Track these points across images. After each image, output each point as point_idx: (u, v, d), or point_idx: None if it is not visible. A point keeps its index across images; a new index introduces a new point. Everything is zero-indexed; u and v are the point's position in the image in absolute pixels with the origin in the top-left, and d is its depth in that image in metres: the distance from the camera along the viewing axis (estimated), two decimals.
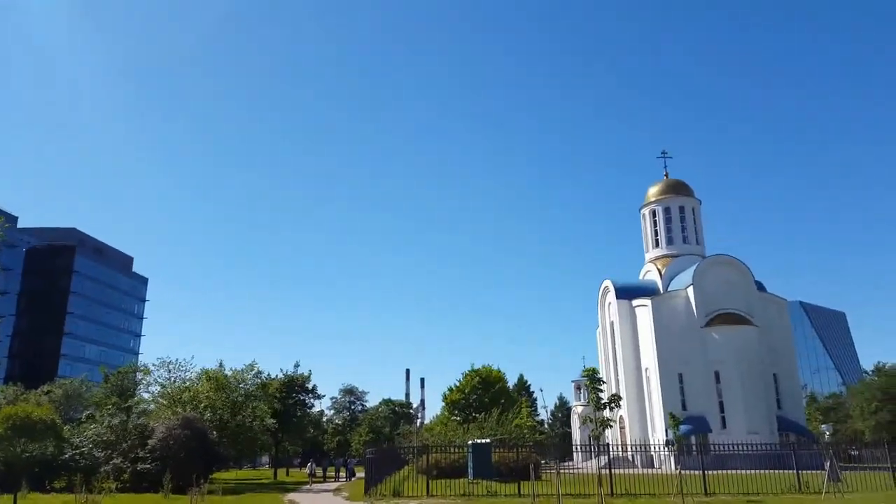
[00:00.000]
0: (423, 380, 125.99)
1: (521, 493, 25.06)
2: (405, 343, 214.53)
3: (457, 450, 32.42)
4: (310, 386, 55.44)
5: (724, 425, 50.50)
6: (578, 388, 71.78)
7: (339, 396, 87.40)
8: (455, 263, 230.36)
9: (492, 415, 50.00)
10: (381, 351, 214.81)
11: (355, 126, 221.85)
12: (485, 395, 64.51)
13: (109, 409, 43.04)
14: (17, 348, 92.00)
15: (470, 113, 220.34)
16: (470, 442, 32.37)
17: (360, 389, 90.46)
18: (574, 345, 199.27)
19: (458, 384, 67.39)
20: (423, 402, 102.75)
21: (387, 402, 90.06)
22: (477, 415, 56.10)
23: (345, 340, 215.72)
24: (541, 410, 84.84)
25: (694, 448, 34.67)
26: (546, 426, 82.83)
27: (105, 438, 33.24)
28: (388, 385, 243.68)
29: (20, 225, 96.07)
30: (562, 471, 21.49)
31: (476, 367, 68.52)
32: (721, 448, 29.36)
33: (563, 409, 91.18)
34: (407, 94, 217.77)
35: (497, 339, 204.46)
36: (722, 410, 51.41)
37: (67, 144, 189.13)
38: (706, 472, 25.71)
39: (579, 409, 71.13)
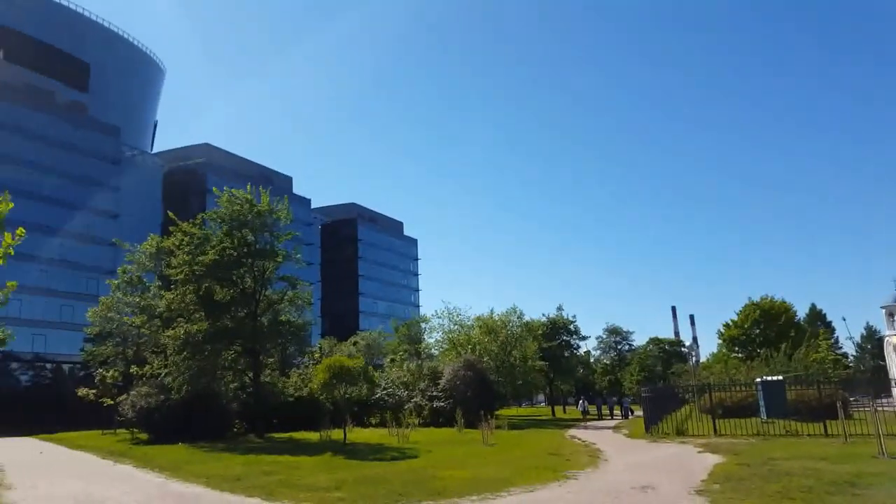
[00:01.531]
0: (692, 316, 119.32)
1: (828, 433, 22.36)
2: (669, 280, 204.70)
3: (743, 388, 30.26)
4: (573, 328, 56.40)
5: None
6: (891, 314, 61.12)
7: (603, 336, 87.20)
8: (718, 178, 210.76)
9: (779, 350, 45.63)
10: (643, 289, 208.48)
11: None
12: (768, 328, 58.90)
13: (402, 354, 49.10)
14: (325, 309, 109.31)
15: None
16: (759, 380, 29.91)
17: (625, 329, 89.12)
18: (879, 265, 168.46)
19: (735, 319, 62.45)
20: (695, 339, 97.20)
21: (655, 340, 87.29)
22: (760, 350, 51.66)
23: (605, 280, 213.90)
24: (843, 342, 74.38)
25: None
26: (851, 359, 72.51)
27: (405, 380, 38.07)
28: (652, 324, 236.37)
29: (313, 206, 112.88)
30: (878, 409, 18.49)
31: (755, 299, 62.62)
32: None
33: (871, 339, 78.64)
34: None
35: (778, 267, 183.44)
36: None
37: (338, 129, 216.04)
38: None
39: (895, 338, 60.56)
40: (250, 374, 30.32)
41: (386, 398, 35.89)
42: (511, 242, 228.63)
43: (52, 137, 71.15)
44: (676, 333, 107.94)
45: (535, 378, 48.77)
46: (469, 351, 42.15)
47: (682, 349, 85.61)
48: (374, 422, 35.24)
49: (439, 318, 48.27)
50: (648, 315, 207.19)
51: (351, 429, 26.69)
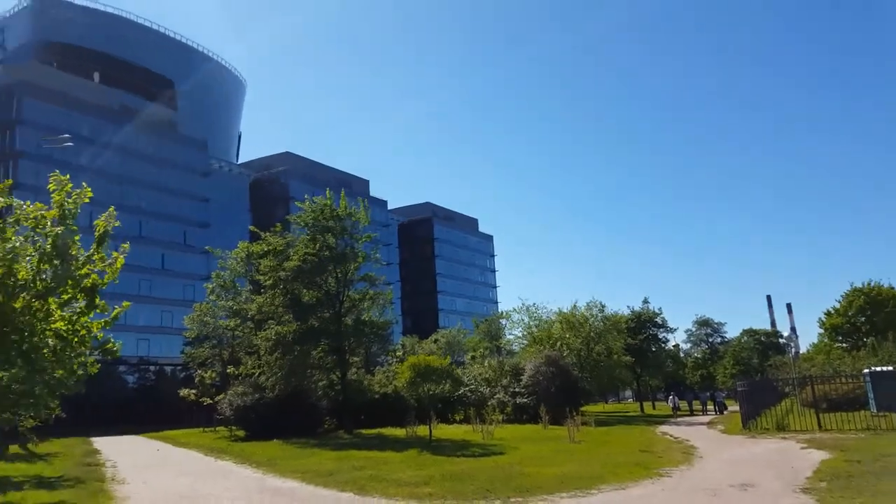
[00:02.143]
0: (789, 305, 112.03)
1: None
2: (763, 268, 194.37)
3: (849, 380, 28.34)
4: (660, 320, 54.54)
5: None
6: None
7: (693, 329, 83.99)
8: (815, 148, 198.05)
9: (888, 338, 42.52)
10: (734, 278, 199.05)
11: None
12: (875, 316, 54.85)
13: (482, 351, 49.11)
14: (406, 308, 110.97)
15: None
16: (867, 370, 27.95)
17: (716, 321, 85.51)
18: None
19: (837, 307, 58.60)
20: (793, 329, 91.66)
21: (749, 331, 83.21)
22: (866, 339, 48.24)
23: (693, 270, 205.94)
24: None
25: None
26: None
27: (487, 376, 38.05)
28: (746, 314, 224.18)
29: (389, 207, 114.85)
30: None
31: (858, 285, 58.48)
32: None
33: None
34: None
35: (881, 251, 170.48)
36: None
37: (411, 131, 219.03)
38: None
39: None
40: (337, 373, 31.23)
41: (468, 395, 35.99)
42: (591, 233, 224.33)
43: (146, 153, 75.89)
44: (773, 324, 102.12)
45: (621, 373, 47.53)
46: (549, 347, 41.60)
47: (780, 340, 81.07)
48: (457, 418, 35.41)
49: (518, 313, 47.94)
50: (741, 306, 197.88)
51: (435, 425, 26.94)
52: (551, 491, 11.96)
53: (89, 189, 10.78)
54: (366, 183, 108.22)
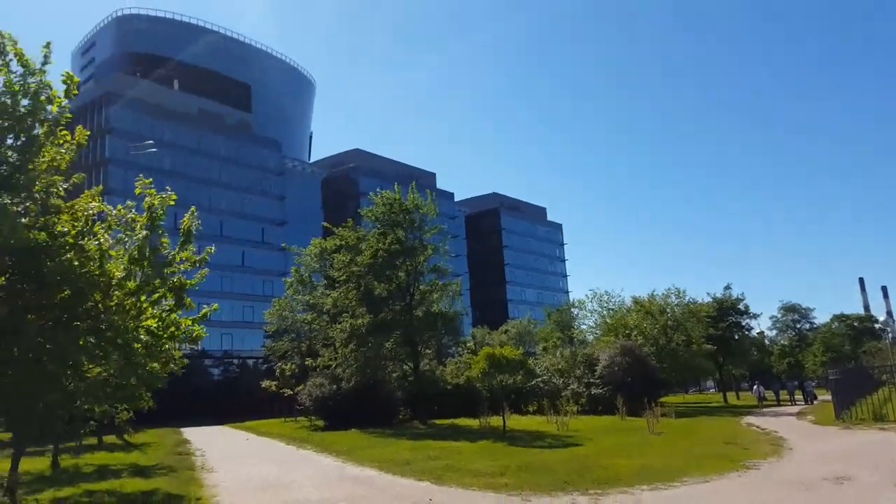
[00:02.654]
0: (884, 288, 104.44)
1: None
2: (853, 249, 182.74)
3: None
4: (742, 307, 52.19)
5: None
6: None
7: (779, 315, 79.96)
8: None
9: None
10: (822, 261, 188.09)
11: None
12: None
13: (554, 341, 48.50)
14: (475, 299, 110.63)
15: None
16: None
17: (804, 306, 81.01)
18: None
19: None
20: (890, 313, 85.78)
21: (840, 317, 78.45)
22: None
23: (776, 253, 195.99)
24: None
25: None
26: None
27: (560, 367, 37.56)
28: (836, 299, 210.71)
29: (456, 199, 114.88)
30: None
31: None
32: None
33: None
34: None
35: None
36: None
37: (476, 123, 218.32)
38: None
39: None
40: (410, 364, 31.66)
41: (541, 385, 35.65)
42: (666, 217, 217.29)
43: (224, 155, 79.16)
44: (866, 308, 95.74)
45: (701, 363, 45.80)
46: (624, 336, 40.56)
47: (875, 325, 76.05)
48: (530, 409, 35.16)
49: (591, 302, 47.11)
50: (831, 289, 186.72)
51: (508, 416, 26.85)
52: (631, 483, 11.67)
53: (174, 193, 11.32)
54: (432, 176, 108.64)
